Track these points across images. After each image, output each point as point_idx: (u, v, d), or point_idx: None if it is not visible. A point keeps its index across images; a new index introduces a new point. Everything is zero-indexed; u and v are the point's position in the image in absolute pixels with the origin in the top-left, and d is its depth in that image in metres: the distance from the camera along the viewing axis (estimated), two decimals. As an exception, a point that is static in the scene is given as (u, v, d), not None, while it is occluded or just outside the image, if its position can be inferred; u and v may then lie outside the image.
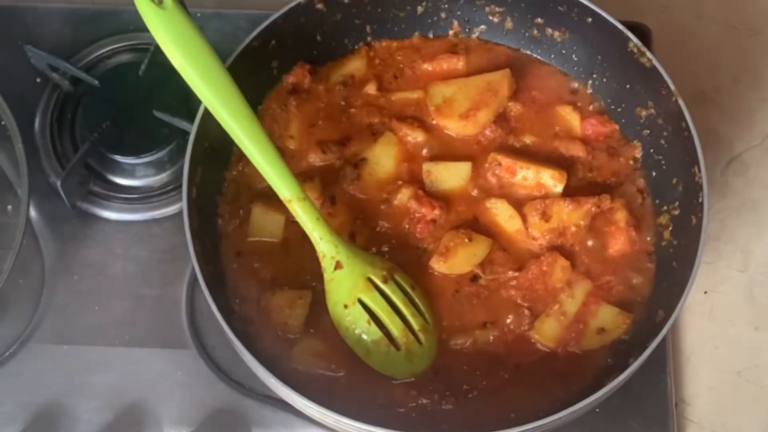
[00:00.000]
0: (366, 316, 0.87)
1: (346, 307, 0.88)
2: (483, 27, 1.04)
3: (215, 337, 0.99)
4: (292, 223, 0.91)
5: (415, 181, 0.97)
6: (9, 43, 1.10)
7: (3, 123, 0.94)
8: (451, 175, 0.97)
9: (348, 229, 0.95)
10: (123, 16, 1.12)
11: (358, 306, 0.88)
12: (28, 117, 1.07)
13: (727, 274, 1.05)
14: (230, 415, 0.96)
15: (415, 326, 0.88)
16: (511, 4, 1.02)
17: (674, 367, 0.99)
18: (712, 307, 1.04)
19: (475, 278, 0.93)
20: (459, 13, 1.04)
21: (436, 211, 0.94)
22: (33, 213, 1.03)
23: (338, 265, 0.88)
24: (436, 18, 1.04)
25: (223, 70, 0.85)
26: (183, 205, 0.89)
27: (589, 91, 1.02)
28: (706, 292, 1.04)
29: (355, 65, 1.03)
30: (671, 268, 0.92)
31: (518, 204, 0.95)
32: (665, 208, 0.95)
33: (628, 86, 0.99)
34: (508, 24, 1.03)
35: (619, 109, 1.00)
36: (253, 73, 0.96)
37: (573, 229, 0.95)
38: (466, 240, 0.93)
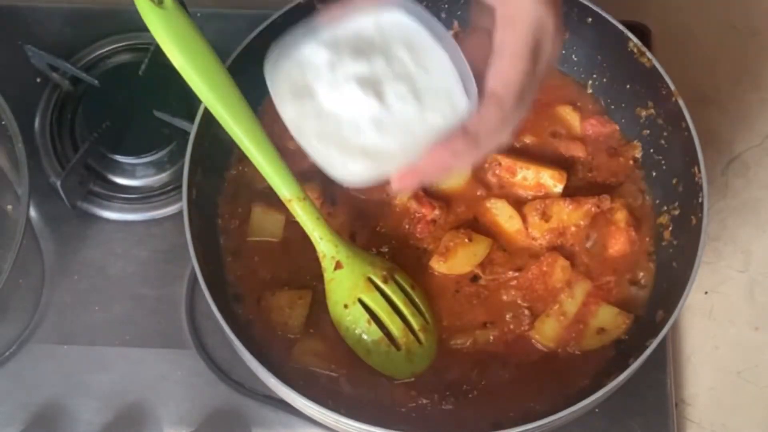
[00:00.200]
0: (366, 316, 0.87)
1: (346, 307, 0.88)
2: (483, 27, 1.04)
3: (215, 337, 0.99)
4: (292, 223, 0.91)
5: (415, 181, 0.97)
6: (9, 43, 1.10)
7: (3, 123, 0.94)
8: (451, 175, 0.97)
9: (348, 229, 0.95)
10: (123, 16, 1.12)
11: (359, 306, 0.88)
12: (28, 117, 1.07)
13: (727, 274, 1.05)
14: (230, 415, 0.96)
15: (415, 326, 0.88)
16: (511, 4, 1.02)
17: (674, 367, 0.99)
18: (712, 307, 1.04)
19: (475, 278, 0.93)
20: (459, 13, 1.04)
21: (436, 211, 0.94)
22: (33, 213, 1.03)
23: (338, 265, 0.88)
24: (436, 18, 1.04)
25: (223, 70, 0.85)
26: (183, 205, 0.89)
27: (589, 91, 1.03)
28: (706, 292, 1.04)
29: (355, 65, 1.03)
30: (671, 268, 0.92)
31: (518, 204, 0.96)
32: (665, 208, 0.95)
33: (628, 86, 0.99)
34: (508, 24, 1.03)
35: (619, 109, 1.00)
36: (253, 73, 0.96)
37: (573, 229, 0.95)
38: (466, 240, 0.93)
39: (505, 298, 0.93)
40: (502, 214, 0.95)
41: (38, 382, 0.97)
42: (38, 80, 1.10)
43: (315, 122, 0.75)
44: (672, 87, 0.93)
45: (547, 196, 0.96)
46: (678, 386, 0.99)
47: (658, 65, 0.94)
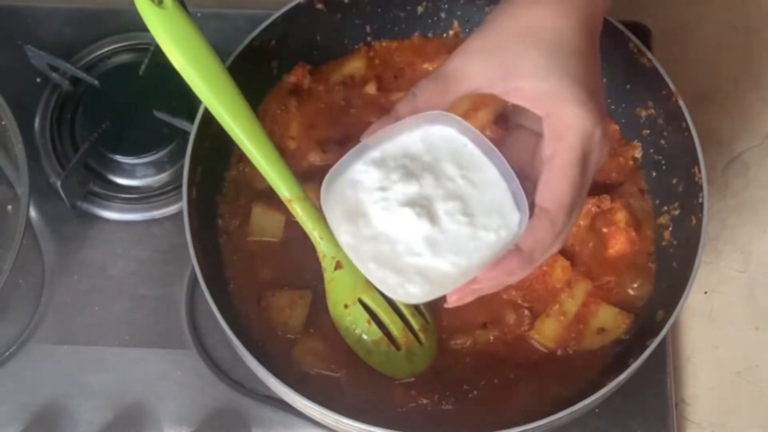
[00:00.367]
0: (366, 316, 0.87)
1: (346, 306, 0.88)
2: (483, 27, 1.04)
3: (215, 337, 0.99)
4: (292, 223, 0.91)
5: (415, 181, 0.97)
6: (9, 43, 1.10)
7: (3, 123, 0.94)
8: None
9: (348, 229, 0.95)
10: (123, 16, 1.12)
11: (359, 306, 0.88)
12: (28, 117, 1.07)
13: (727, 274, 1.05)
14: (230, 415, 0.96)
15: (416, 326, 0.88)
16: (511, 4, 1.02)
17: (674, 367, 0.99)
18: (712, 307, 1.04)
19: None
20: (459, 13, 1.04)
21: (436, 212, 0.94)
22: (33, 213, 1.04)
23: (339, 265, 0.88)
24: (436, 18, 1.04)
25: (223, 70, 0.85)
26: (183, 205, 0.89)
27: (589, 91, 1.02)
28: (706, 292, 1.04)
29: (355, 65, 1.03)
30: (671, 268, 0.92)
31: (518, 204, 0.96)
32: (665, 208, 0.95)
33: (628, 86, 0.99)
34: (508, 24, 1.03)
35: (619, 109, 1.00)
36: (253, 73, 0.96)
37: (573, 229, 0.94)
38: (467, 240, 0.93)
39: (505, 298, 0.93)
40: (502, 214, 0.95)
41: (38, 382, 0.97)
42: (38, 80, 1.10)
43: (370, 245, 0.76)
44: (672, 87, 0.92)
45: (547, 196, 0.95)
46: (678, 386, 0.99)
47: (658, 65, 0.93)
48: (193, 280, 1.00)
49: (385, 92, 1.01)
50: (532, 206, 0.75)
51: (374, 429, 0.80)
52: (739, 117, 1.12)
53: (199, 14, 1.09)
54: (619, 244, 0.94)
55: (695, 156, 0.89)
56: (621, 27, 0.95)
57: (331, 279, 0.89)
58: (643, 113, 0.98)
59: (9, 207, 0.99)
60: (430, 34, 1.05)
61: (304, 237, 0.89)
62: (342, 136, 0.99)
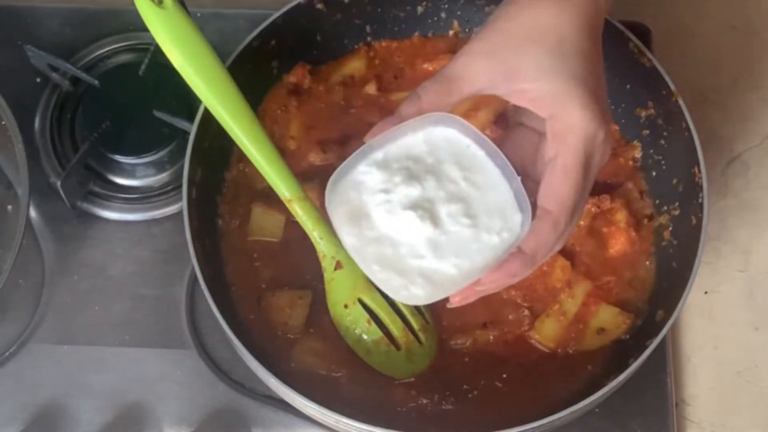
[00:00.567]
0: (366, 316, 0.87)
1: (346, 306, 0.88)
2: (483, 27, 1.04)
3: (215, 337, 0.99)
4: (292, 223, 0.91)
5: (415, 181, 0.97)
6: (9, 43, 1.10)
7: (3, 123, 0.94)
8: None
9: (348, 229, 0.95)
10: (123, 16, 1.12)
11: (359, 306, 0.88)
12: (28, 117, 1.07)
13: (727, 274, 1.05)
14: (230, 415, 0.96)
15: (415, 326, 0.88)
16: (511, 4, 1.02)
17: (674, 367, 0.99)
18: (712, 307, 1.04)
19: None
20: (459, 13, 1.04)
21: (436, 212, 0.94)
22: (33, 213, 1.03)
23: (339, 265, 0.88)
24: (436, 18, 1.04)
25: (223, 70, 0.85)
26: (183, 205, 0.89)
27: (589, 91, 1.02)
28: (706, 292, 1.04)
29: (355, 65, 1.03)
30: (671, 268, 0.92)
31: (518, 204, 0.96)
32: (665, 208, 0.95)
33: (628, 86, 0.99)
34: (508, 24, 1.03)
35: (619, 110, 1.00)
36: (253, 73, 0.96)
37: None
38: (466, 240, 0.93)
39: (505, 298, 0.93)
40: (502, 214, 0.95)
41: (38, 382, 0.97)
42: (38, 80, 1.10)
43: (373, 247, 0.77)
44: (672, 87, 0.92)
45: (547, 196, 0.95)
46: (678, 386, 0.99)
47: (658, 65, 0.93)
48: (193, 280, 1.00)
49: (385, 92, 1.01)
50: (533, 205, 0.76)
51: (374, 429, 0.80)
52: (739, 117, 1.12)
53: (199, 14, 1.09)
54: (619, 244, 0.94)
55: (695, 156, 0.89)
56: (621, 27, 0.95)
57: (331, 279, 0.89)
58: (643, 113, 0.98)
59: (9, 207, 0.99)
60: (430, 34, 1.05)
61: (304, 237, 0.89)
62: (342, 136, 0.99)
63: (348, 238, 0.77)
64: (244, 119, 0.85)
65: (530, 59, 0.73)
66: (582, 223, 0.94)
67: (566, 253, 0.94)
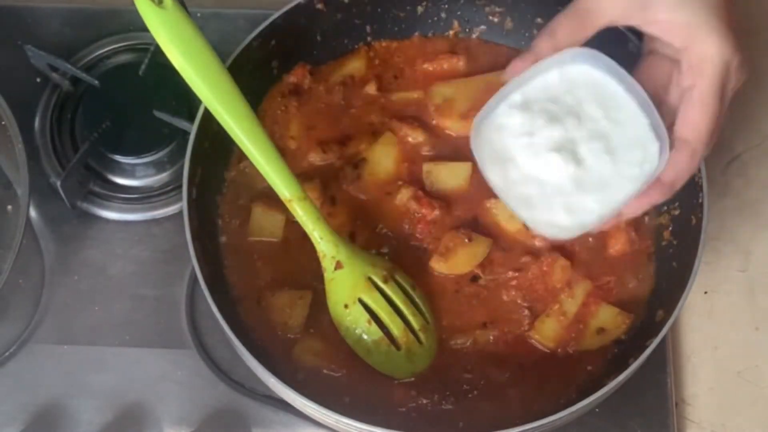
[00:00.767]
0: (366, 316, 0.87)
1: (346, 306, 0.88)
2: (483, 27, 1.04)
3: (215, 337, 0.99)
4: (292, 223, 0.91)
5: (415, 181, 0.97)
6: (9, 43, 1.10)
7: (3, 123, 0.94)
8: (451, 176, 0.97)
9: (348, 229, 0.95)
10: (123, 16, 1.12)
11: (359, 306, 0.88)
12: (28, 117, 1.07)
13: (727, 274, 1.05)
14: (230, 415, 0.96)
15: (416, 326, 0.88)
16: (511, 4, 1.02)
17: (674, 367, 0.99)
18: (712, 307, 1.04)
19: (475, 278, 0.93)
20: (459, 13, 1.04)
21: (436, 212, 0.94)
22: (33, 213, 1.04)
23: (339, 265, 0.88)
24: (436, 18, 1.04)
25: (223, 70, 0.85)
26: (183, 205, 0.89)
27: (590, 91, 1.02)
28: (706, 292, 1.04)
29: (355, 65, 1.03)
30: (671, 268, 0.92)
31: (519, 204, 0.96)
32: (665, 208, 0.95)
33: (628, 86, 0.98)
34: (508, 24, 1.03)
35: (619, 109, 1.00)
36: (253, 73, 0.96)
37: (573, 229, 0.95)
38: (466, 240, 0.93)
39: (505, 298, 0.93)
40: (502, 215, 0.95)
41: (38, 382, 0.97)
42: (38, 80, 1.10)
43: (519, 187, 0.80)
44: (672, 87, 0.92)
45: (547, 196, 0.96)
46: (678, 386, 0.99)
47: (658, 65, 0.93)
48: (193, 280, 1.00)
49: (385, 92, 1.01)
50: (669, 132, 0.78)
51: (374, 429, 0.80)
52: (739, 117, 1.12)
53: (199, 14, 1.09)
54: (619, 244, 0.94)
55: (695, 156, 0.89)
56: (621, 27, 0.95)
57: (331, 279, 0.89)
58: (643, 113, 0.98)
59: (9, 207, 0.99)
60: (430, 34, 1.05)
61: (304, 237, 0.89)
62: (342, 136, 0.99)
63: (493, 177, 0.81)
64: (244, 119, 0.85)
65: None
66: (582, 223, 0.95)
67: (566, 253, 0.94)
